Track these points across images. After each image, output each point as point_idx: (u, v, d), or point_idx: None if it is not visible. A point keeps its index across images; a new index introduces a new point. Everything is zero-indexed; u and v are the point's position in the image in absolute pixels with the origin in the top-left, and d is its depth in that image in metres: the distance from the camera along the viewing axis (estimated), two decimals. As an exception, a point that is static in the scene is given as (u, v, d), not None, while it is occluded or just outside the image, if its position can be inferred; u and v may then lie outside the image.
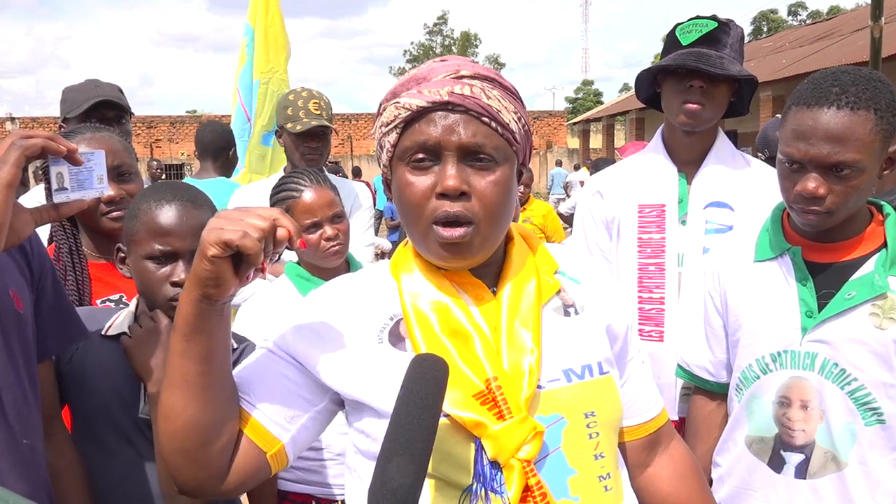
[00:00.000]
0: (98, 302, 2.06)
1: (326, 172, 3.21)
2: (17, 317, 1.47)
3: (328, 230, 2.15)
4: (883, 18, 3.17)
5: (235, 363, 1.26)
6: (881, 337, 1.59)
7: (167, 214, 1.64)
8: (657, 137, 2.42)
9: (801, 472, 1.68)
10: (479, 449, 1.09)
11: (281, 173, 3.04)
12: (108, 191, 1.44)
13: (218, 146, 4.18)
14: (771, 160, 3.40)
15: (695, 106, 2.19)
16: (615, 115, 27.55)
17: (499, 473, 1.08)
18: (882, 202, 1.72)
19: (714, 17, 2.28)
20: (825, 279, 1.66)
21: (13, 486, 1.37)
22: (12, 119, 28.16)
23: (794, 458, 1.69)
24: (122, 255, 1.75)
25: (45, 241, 1.88)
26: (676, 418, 2.19)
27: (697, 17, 2.30)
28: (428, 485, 1.10)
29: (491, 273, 1.25)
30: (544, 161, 29.02)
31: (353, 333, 1.20)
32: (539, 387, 1.15)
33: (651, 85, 2.37)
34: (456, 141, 1.13)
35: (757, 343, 1.75)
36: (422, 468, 0.91)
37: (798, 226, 1.71)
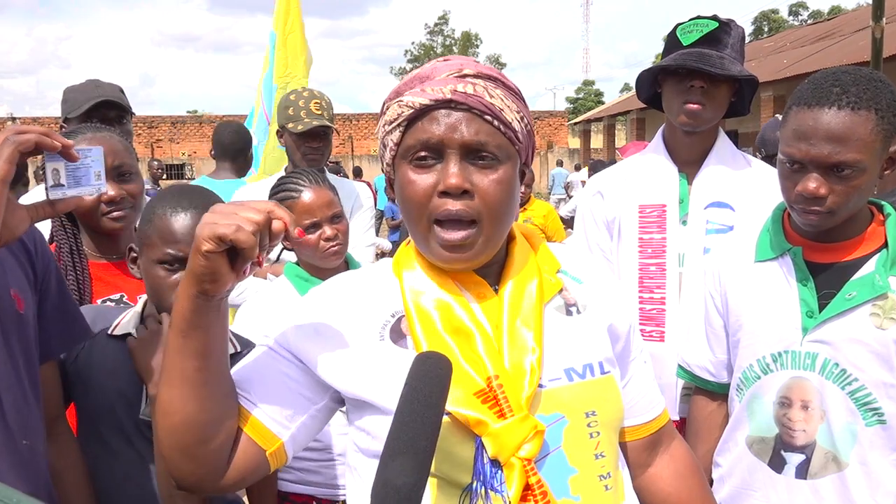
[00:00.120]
0: (98, 301, 2.06)
1: (327, 172, 3.22)
2: (18, 317, 1.46)
3: (327, 230, 2.14)
4: (884, 19, 3.17)
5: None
6: (882, 337, 1.59)
7: (181, 221, 1.64)
8: (658, 137, 2.42)
9: (802, 472, 1.68)
10: (480, 447, 1.09)
11: (282, 173, 3.04)
12: (106, 188, 1.43)
13: (237, 147, 4.19)
14: (766, 159, 3.41)
15: (695, 106, 2.19)
16: (616, 115, 27.54)
17: (499, 472, 1.08)
18: (882, 202, 1.72)
19: (715, 17, 2.28)
20: (826, 279, 1.66)
21: (11, 486, 1.37)
22: (13, 119, 28.17)
23: (794, 459, 1.69)
24: (134, 255, 1.76)
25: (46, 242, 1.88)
26: (677, 418, 2.19)
27: (698, 17, 2.30)
28: (429, 483, 1.10)
29: (493, 272, 1.25)
30: (545, 161, 29.02)
31: (355, 331, 1.20)
32: (540, 386, 1.15)
33: (652, 85, 2.37)
34: (459, 139, 1.14)
35: (758, 343, 1.75)
36: (425, 467, 0.91)
37: (799, 226, 1.71)
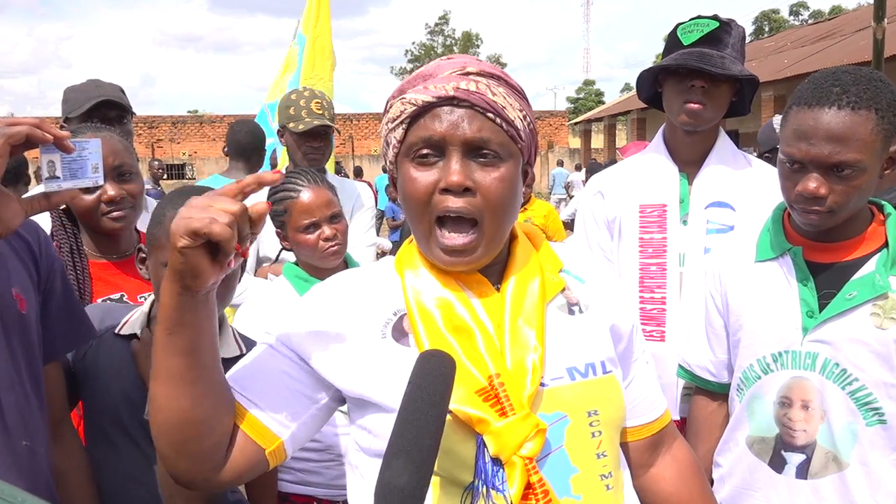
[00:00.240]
0: (99, 300, 2.06)
1: (328, 172, 3.23)
2: (20, 318, 1.46)
3: (326, 230, 2.14)
4: (886, 20, 3.17)
5: None
6: (882, 337, 1.59)
7: None
8: (658, 137, 2.42)
9: (803, 472, 1.67)
10: (481, 446, 1.09)
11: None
12: (103, 181, 1.41)
13: (253, 146, 4.20)
14: (761, 157, 3.41)
15: (696, 106, 2.19)
16: (617, 115, 27.54)
17: (501, 471, 1.08)
18: (883, 202, 1.72)
19: (715, 17, 2.28)
20: (826, 279, 1.66)
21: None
22: (14, 119, 28.11)
23: (795, 459, 1.69)
24: (143, 255, 1.76)
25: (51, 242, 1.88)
26: (678, 418, 2.18)
27: (699, 17, 2.30)
28: (431, 482, 1.10)
29: (495, 270, 1.25)
30: (545, 161, 29.00)
31: (356, 329, 1.20)
32: (542, 384, 1.15)
33: (652, 85, 2.37)
34: (461, 135, 1.14)
35: (758, 343, 1.75)
36: (429, 465, 0.91)
37: (799, 226, 1.70)
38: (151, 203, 2.80)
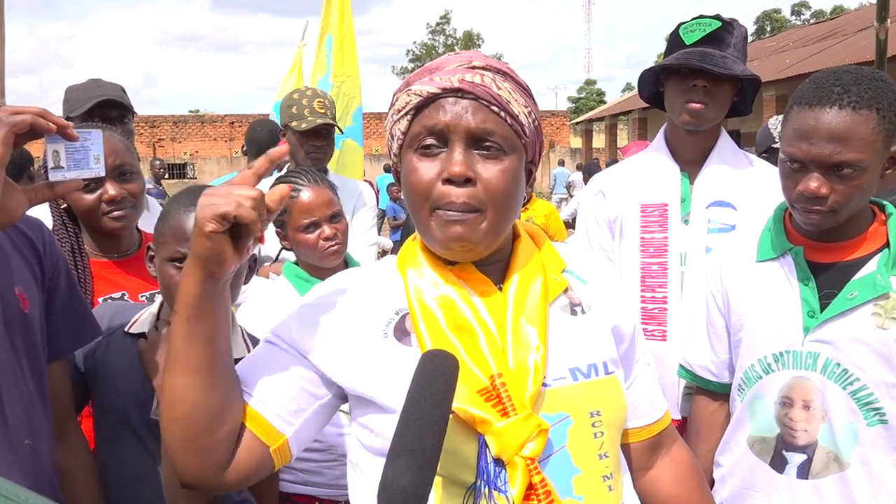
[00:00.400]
0: (100, 300, 2.06)
1: (330, 172, 3.23)
2: (23, 317, 1.46)
3: (326, 230, 2.14)
4: (889, 20, 3.17)
5: None
6: (883, 337, 1.58)
7: (192, 219, 1.65)
8: (660, 137, 2.42)
9: (804, 472, 1.67)
10: (483, 446, 1.09)
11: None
12: (105, 172, 1.42)
13: (271, 146, 4.22)
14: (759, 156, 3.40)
15: (698, 105, 2.19)
16: (618, 114, 27.52)
17: (503, 471, 1.08)
18: (884, 202, 1.72)
19: (717, 17, 2.28)
20: (827, 279, 1.66)
21: (11, 486, 1.36)
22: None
23: (796, 459, 1.68)
24: (151, 254, 1.78)
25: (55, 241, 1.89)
26: (679, 417, 2.18)
27: (701, 17, 2.30)
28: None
29: (497, 269, 1.24)
30: (547, 161, 28.97)
31: (358, 328, 1.19)
32: (544, 385, 1.14)
33: (654, 84, 2.37)
34: (464, 125, 1.14)
35: (759, 343, 1.74)
36: (432, 465, 0.90)
37: (800, 225, 1.70)
38: (153, 202, 2.80)
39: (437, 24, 63.65)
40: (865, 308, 1.61)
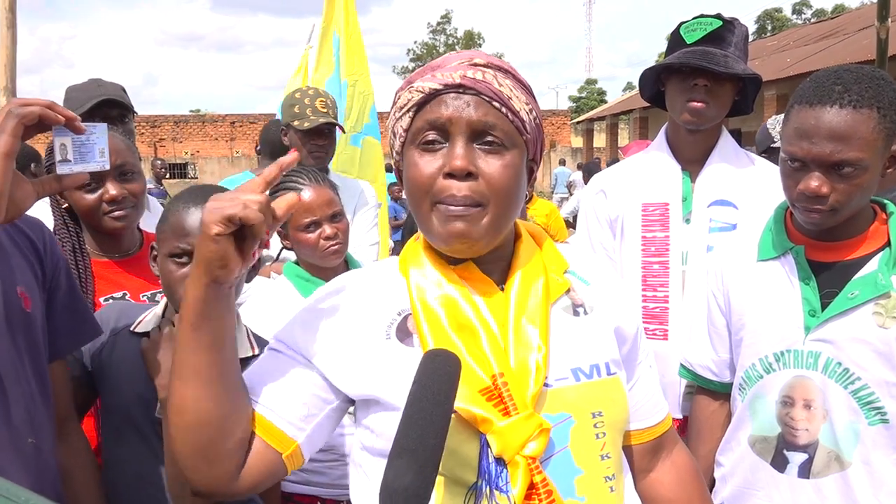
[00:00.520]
0: (101, 300, 2.06)
1: (331, 172, 3.23)
2: (25, 316, 1.47)
3: (327, 229, 2.14)
4: (889, 19, 3.17)
5: None
6: (884, 336, 1.58)
7: (192, 216, 1.66)
8: (661, 136, 2.42)
9: (805, 471, 1.67)
10: (485, 445, 1.09)
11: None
12: (109, 165, 1.43)
13: (284, 146, 4.23)
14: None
15: (699, 104, 2.19)
16: (619, 114, 27.50)
17: (504, 471, 1.08)
18: (885, 201, 1.71)
19: (718, 16, 2.27)
20: (828, 278, 1.66)
21: (16, 483, 1.37)
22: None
23: (797, 458, 1.68)
24: (155, 253, 1.79)
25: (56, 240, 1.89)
26: (680, 416, 2.18)
27: (702, 16, 2.30)
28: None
29: (498, 269, 1.24)
30: (547, 160, 28.97)
31: (361, 331, 1.19)
32: (546, 385, 1.14)
33: (655, 83, 2.37)
34: (466, 119, 1.14)
35: (760, 342, 1.74)
36: (434, 464, 0.90)
37: (801, 225, 1.70)
38: (153, 202, 2.80)
39: (438, 23, 63.67)
40: (866, 307, 1.60)
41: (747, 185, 2.27)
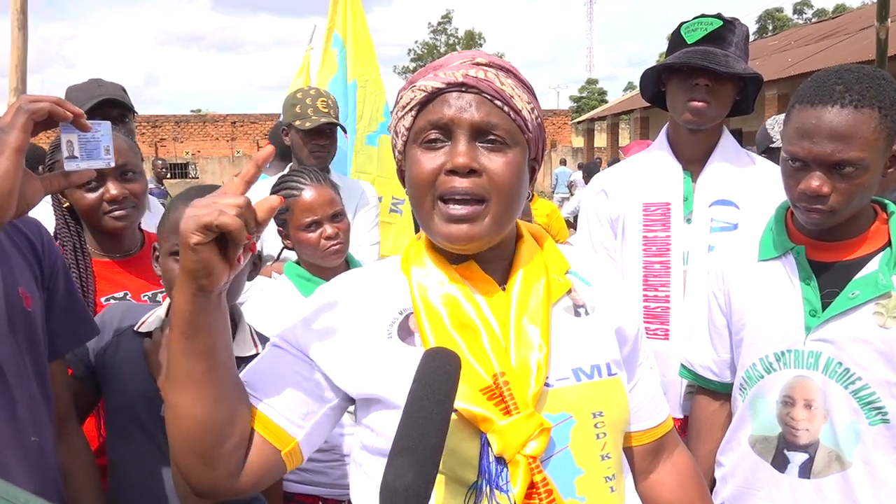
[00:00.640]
0: (102, 300, 2.06)
1: (332, 172, 3.23)
2: (26, 315, 1.47)
3: (328, 229, 2.15)
4: (889, 20, 3.16)
5: None
6: (885, 336, 1.58)
7: None
8: (662, 136, 2.42)
9: (805, 471, 1.67)
10: (485, 444, 1.09)
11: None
12: (114, 163, 1.44)
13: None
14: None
15: (700, 104, 2.19)
16: (619, 114, 27.50)
17: (504, 470, 1.08)
18: (886, 201, 1.71)
19: (719, 16, 2.27)
20: (829, 278, 1.66)
21: (20, 483, 1.37)
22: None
23: (797, 458, 1.68)
24: (157, 254, 1.79)
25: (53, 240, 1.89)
26: (681, 416, 2.18)
27: (702, 16, 2.30)
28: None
29: (500, 268, 1.25)
30: (548, 160, 28.95)
31: (363, 330, 1.20)
32: (547, 385, 1.14)
33: (656, 83, 2.37)
34: (468, 118, 1.14)
35: (761, 342, 1.74)
36: (434, 463, 0.90)
37: (802, 225, 1.70)
38: (154, 202, 2.81)
39: (439, 23, 63.70)
40: (867, 307, 1.60)
41: (748, 184, 2.27)
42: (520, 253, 1.26)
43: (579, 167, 20.15)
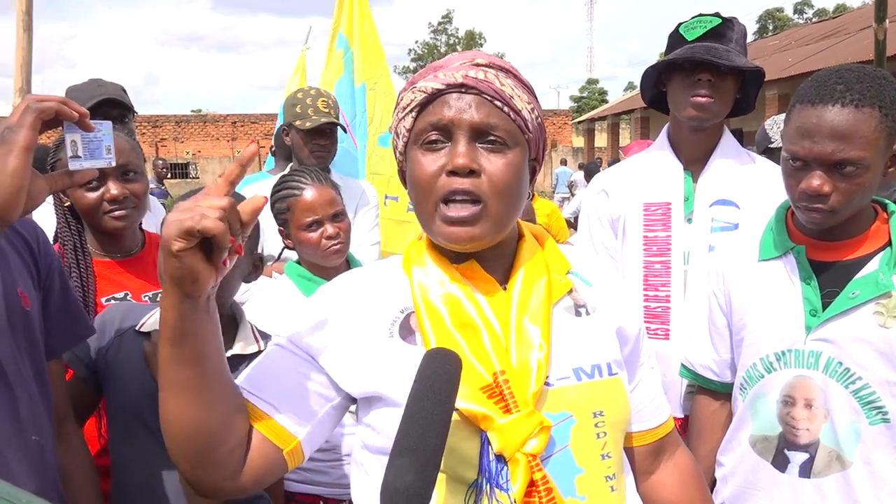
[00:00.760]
0: (103, 300, 2.06)
1: (333, 171, 3.24)
2: (25, 314, 1.47)
3: (329, 228, 2.15)
4: (887, 21, 3.16)
5: None
6: (885, 335, 1.58)
7: None
8: (663, 135, 2.42)
9: (806, 471, 1.67)
10: (486, 443, 1.09)
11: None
12: (115, 162, 1.45)
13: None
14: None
15: (704, 99, 2.18)
16: (620, 113, 27.50)
17: (504, 468, 1.08)
18: (886, 200, 1.72)
19: (717, 15, 2.28)
20: (829, 278, 1.66)
21: (22, 482, 1.38)
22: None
23: (798, 458, 1.68)
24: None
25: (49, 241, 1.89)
26: (681, 416, 2.18)
27: (701, 15, 2.30)
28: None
29: (501, 268, 1.25)
30: (548, 160, 28.95)
31: (364, 329, 1.20)
32: (548, 384, 1.15)
33: (655, 84, 2.37)
34: (468, 119, 1.15)
35: (761, 342, 1.74)
36: (435, 464, 0.91)
37: (802, 224, 1.70)
38: (155, 202, 2.81)
39: (439, 23, 63.71)
40: (867, 307, 1.60)
41: (749, 184, 2.27)
42: (521, 253, 1.26)
43: (580, 167, 20.16)
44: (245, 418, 1.14)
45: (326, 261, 2.17)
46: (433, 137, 1.16)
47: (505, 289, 1.23)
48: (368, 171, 4.37)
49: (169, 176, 15.20)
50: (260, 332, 1.82)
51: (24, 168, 1.26)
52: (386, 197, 4.29)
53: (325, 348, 1.19)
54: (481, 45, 62.75)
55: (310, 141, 3.14)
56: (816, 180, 1.56)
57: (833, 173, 1.56)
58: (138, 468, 1.70)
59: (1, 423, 1.38)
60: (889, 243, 1.64)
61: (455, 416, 1.08)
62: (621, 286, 1.37)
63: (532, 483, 1.08)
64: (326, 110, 3.15)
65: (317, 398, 1.19)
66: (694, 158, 2.33)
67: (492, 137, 1.16)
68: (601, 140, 32.63)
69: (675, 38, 2.29)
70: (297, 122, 3.13)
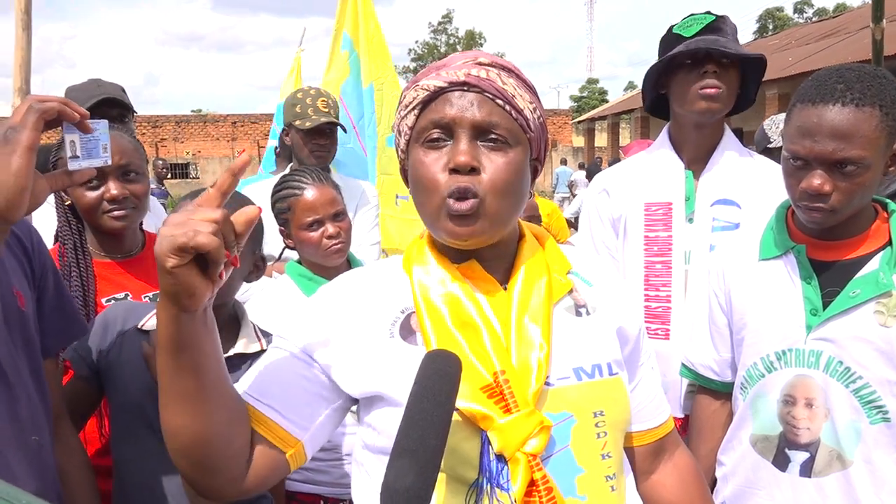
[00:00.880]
0: (103, 300, 2.06)
1: (333, 171, 3.24)
2: (21, 314, 1.48)
3: (330, 228, 2.15)
4: (885, 20, 3.16)
5: None
6: (886, 335, 1.58)
7: None
8: (664, 135, 2.41)
9: (806, 470, 1.67)
10: (486, 442, 1.09)
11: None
12: (111, 160, 1.46)
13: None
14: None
15: (713, 90, 2.17)
16: (620, 113, 27.50)
17: (505, 468, 1.08)
18: (886, 199, 1.72)
19: (709, 13, 2.27)
20: (830, 277, 1.66)
21: (22, 481, 1.38)
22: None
23: (798, 457, 1.69)
24: None
25: (49, 241, 1.89)
26: (682, 415, 2.18)
27: (692, 15, 2.29)
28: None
29: (502, 268, 1.25)
30: (549, 160, 28.95)
31: (365, 330, 1.20)
32: (548, 384, 1.15)
33: (655, 87, 2.36)
34: (470, 118, 1.15)
35: (762, 341, 1.74)
36: (435, 465, 0.90)
37: (802, 224, 1.70)
38: (155, 202, 2.80)
39: (440, 23, 63.73)
40: (868, 306, 1.61)
41: (750, 184, 2.27)
42: (521, 252, 1.26)
43: (580, 167, 20.17)
44: (247, 425, 1.13)
45: (327, 260, 2.17)
46: (435, 135, 1.17)
47: (505, 288, 1.23)
48: (378, 172, 4.38)
49: (169, 176, 15.20)
50: (262, 330, 1.82)
51: (27, 168, 1.26)
52: (397, 196, 4.29)
53: (326, 349, 1.19)
54: (481, 44, 62.80)
55: (310, 141, 3.14)
56: (817, 179, 1.57)
57: (834, 172, 1.56)
58: (140, 468, 1.70)
59: (1, 422, 1.38)
60: (889, 242, 1.64)
61: (455, 415, 1.08)
62: (622, 286, 1.37)
63: (532, 483, 1.08)
64: (326, 110, 3.15)
65: (319, 401, 1.19)
66: (695, 158, 2.32)
67: (493, 136, 1.16)
68: (601, 140, 32.64)
69: (671, 39, 2.28)
70: (297, 122, 3.14)
